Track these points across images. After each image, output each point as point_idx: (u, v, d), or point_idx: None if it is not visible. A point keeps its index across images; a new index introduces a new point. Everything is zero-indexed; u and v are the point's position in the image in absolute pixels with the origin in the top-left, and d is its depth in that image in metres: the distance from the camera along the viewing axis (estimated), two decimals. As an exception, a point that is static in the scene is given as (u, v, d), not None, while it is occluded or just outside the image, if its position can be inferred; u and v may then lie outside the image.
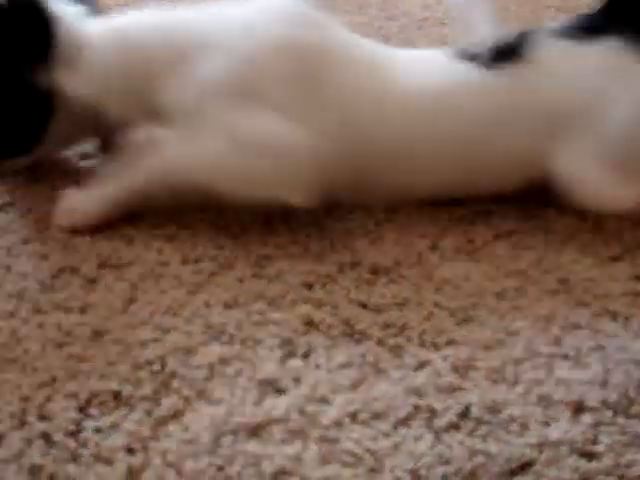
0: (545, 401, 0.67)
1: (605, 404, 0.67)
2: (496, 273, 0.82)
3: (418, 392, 0.68)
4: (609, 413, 0.66)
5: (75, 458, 0.61)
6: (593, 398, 0.67)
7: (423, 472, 0.61)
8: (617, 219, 0.91)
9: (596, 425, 0.65)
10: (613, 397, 0.67)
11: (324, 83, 0.87)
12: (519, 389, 0.68)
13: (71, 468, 0.60)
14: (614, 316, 0.77)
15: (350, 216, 0.90)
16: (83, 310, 0.76)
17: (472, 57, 0.89)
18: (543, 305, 0.78)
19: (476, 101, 0.89)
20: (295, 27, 0.89)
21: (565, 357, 0.72)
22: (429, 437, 0.63)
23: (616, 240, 0.88)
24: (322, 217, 0.90)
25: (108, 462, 0.61)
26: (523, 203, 0.93)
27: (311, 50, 0.89)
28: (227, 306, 0.77)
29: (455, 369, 0.70)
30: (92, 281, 0.80)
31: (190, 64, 0.86)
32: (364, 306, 0.77)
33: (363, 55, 0.92)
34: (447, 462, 0.61)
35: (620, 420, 0.65)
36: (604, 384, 0.69)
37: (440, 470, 0.61)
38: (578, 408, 0.66)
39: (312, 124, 0.84)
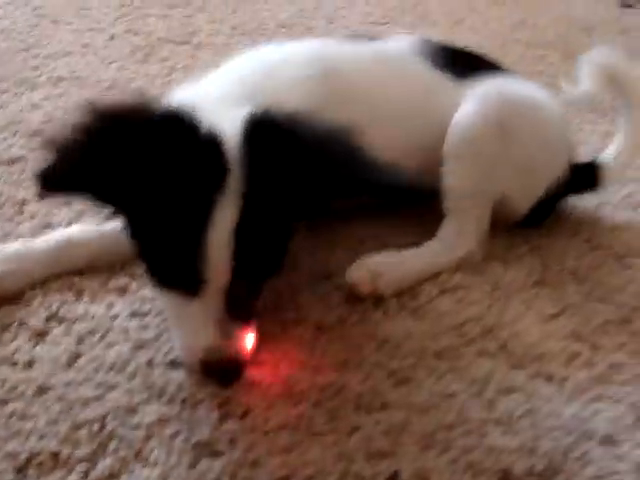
0: (473, 469, 0.69)
1: (531, 473, 0.68)
2: (437, 331, 0.83)
3: (349, 457, 0.69)
4: (534, 482, 0.67)
5: (6, 525, 0.62)
6: (520, 467, 0.69)
7: (346, 542, 0.62)
8: (560, 272, 0.93)
9: (520, 494, 0.66)
10: (539, 466, 0.69)
11: None
12: (449, 455, 0.70)
13: (1, 536, 0.61)
14: (549, 378, 0.79)
15: (295, 272, 0.91)
16: (29, 364, 0.77)
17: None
18: (480, 366, 0.79)
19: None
20: None
21: (497, 423, 0.73)
22: (355, 506, 0.65)
23: (558, 294, 0.90)
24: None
25: (39, 528, 0.62)
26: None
27: None
28: (170, 365, 0.78)
29: (387, 433, 0.71)
30: (40, 334, 0.81)
31: None
32: (304, 366, 0.78)
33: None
34: (369, 532, 0.63)
35: (544, 490, 0.67)
36: (532, 452, 0.70)
37: (362, 541, 0.62)
38: (504, 477, 0.68)
39: None
